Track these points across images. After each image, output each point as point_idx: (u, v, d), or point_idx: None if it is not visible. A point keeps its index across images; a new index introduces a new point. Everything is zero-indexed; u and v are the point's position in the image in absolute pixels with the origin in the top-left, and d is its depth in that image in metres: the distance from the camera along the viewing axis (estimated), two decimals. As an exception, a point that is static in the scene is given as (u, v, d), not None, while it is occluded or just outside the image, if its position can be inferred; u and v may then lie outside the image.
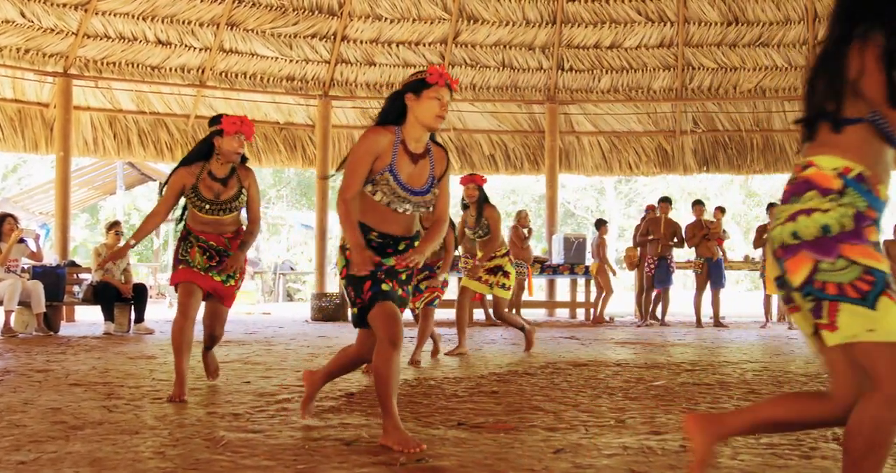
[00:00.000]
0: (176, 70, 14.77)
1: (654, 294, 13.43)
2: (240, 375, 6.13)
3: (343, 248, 3.87)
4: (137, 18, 14.11)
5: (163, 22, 14.29)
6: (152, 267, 25.71)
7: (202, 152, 5.36)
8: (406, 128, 3.85)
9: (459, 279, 8.84)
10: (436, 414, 4.46)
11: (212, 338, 5.59)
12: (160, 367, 6.70)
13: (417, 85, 3.83)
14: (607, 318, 14.16)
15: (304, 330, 11.32)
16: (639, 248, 13.68)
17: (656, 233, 13.21)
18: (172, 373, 5.25)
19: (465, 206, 8.23)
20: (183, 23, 14.42)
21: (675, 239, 13.29)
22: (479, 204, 8.10)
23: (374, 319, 3.72)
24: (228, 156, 5.28)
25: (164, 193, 5.38)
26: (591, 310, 14.28)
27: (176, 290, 5.28)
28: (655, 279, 13.14)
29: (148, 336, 10.27)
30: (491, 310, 9.40)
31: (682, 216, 14.41)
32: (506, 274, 8.08)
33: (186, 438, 3.81)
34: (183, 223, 5.44)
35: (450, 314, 10.48)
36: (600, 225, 14.58)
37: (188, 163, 5.37)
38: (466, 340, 8.18)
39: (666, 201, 13.60)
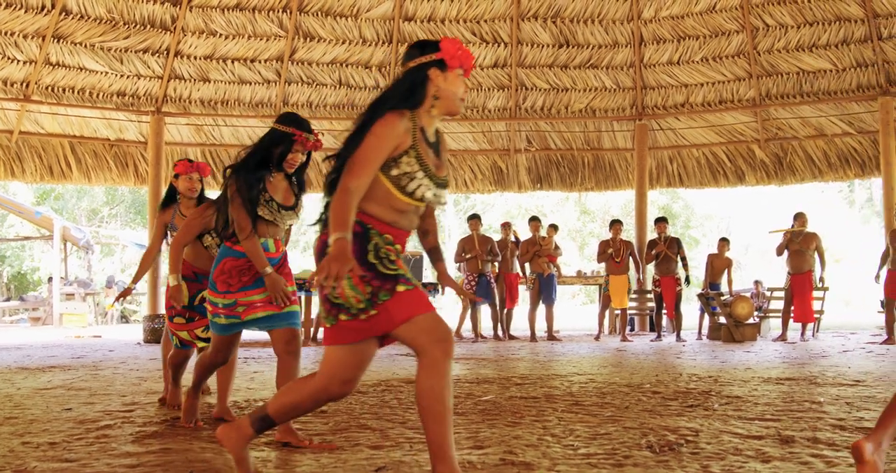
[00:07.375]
0: (-2, 84, 14.17)
1: (499, 311, 13.66)
2: (61, 402, 5.91)
3: None
4: (-45, 29, 13.50)
5: (-17, 33, 13.71)
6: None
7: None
8: None
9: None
10: (262, 436, 4.42)
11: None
12: (-25, 396, 6.40)
13: None
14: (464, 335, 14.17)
15: (136, 353, 11.00)
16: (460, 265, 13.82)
17: (472, 250, 13.41)
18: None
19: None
20: (5, 34, 13.85)
21: (491, 255, 13.50)
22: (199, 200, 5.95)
23: None
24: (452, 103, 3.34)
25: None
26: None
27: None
28: (476, 295, 13.25)
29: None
30: None
31: (521, 233, 14.72)
32: None
33: (-5, 470, 3.66)
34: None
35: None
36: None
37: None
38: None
39: (475, 218, 13.79)
